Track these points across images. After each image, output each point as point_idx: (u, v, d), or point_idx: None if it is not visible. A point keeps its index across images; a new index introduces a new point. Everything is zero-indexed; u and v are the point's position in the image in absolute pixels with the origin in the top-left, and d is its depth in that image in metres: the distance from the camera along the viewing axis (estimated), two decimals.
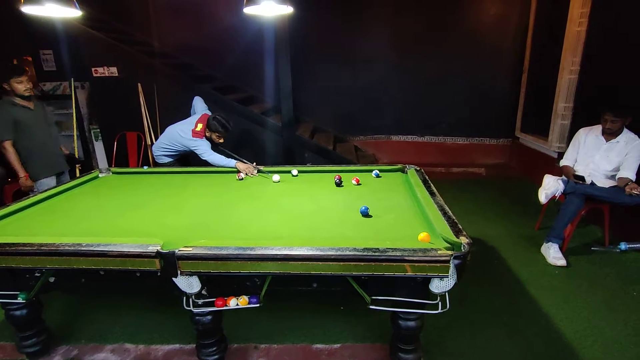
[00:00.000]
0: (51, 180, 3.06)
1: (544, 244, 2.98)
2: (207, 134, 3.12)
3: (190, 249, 1.45)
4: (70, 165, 3.33)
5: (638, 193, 2.60)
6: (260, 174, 2.76)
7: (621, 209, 2.98)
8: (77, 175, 2.85)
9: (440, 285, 1.43)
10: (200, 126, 3.13)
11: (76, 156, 3.45)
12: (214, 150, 3.10)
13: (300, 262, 1.41)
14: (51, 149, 3.10)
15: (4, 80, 2.82)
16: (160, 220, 1.92)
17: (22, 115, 2.88)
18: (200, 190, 2.44)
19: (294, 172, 2.73)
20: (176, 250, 1.44)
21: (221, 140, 3.18)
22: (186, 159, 3.46)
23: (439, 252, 1.38)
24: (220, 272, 1.46)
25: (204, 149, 3.04)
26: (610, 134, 2.92)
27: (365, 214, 1.90)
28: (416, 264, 1.37)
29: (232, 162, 2.91)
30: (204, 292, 1.60)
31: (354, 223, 1.83)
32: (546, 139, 4.47)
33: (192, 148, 3.10)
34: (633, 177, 2.76)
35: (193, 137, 3.09)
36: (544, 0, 4.67)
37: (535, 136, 4.83)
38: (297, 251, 1.42)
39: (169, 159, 3.31)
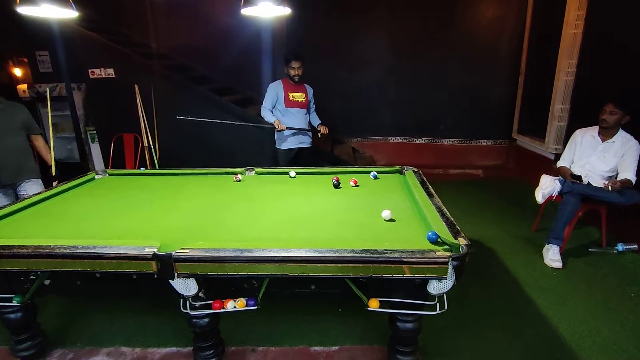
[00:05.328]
0: None
1: (545, 245, 2.97)
2: (285, 71, 3.56)
3: (187, 251, 1.44)
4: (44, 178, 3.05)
5: (616, 187, 2.66)
6: (256, 174, 2.76)
7: (618, 210, 2.99)
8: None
9: (438, 287, 1.42)
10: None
11: (53, 173, 3.04)
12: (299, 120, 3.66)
13: (298, 264, 1.40)
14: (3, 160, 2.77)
15: None
16: (157, 222, 1.91)
17: None
18: (197, 191, 2.42)
19: (292, 173, 2.72)
20: (173, 252, 1.43)
21: (299, 72, 3.51)
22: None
23: (437, 253, 1.38)
24: (217, 274, 1.44)
25: (264, 100, 3.62)
26: (606, 129, 2.93)
27: (434, 241, 1.54)
28: (414, 266, 1.36)
29: (272, 119, 3.54)
30: (201, 294, 1.59)
31: (352, 225, 1.82)
32: (543, 141, 4.49)
33: None
34: (633, 177, 2.77)
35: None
36: (540, 2, 4.70)
37: (532, 138, 4.85)
38: (295, 253, 1.41)
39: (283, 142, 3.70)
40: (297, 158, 3.77)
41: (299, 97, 3.63)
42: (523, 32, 4.97)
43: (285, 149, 3.71)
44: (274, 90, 3.60)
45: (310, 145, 3.84)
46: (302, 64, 3.51)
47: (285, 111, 3.62)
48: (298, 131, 3.67)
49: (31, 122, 2.97)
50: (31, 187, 2.90)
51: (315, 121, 3.86)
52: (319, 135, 3.75)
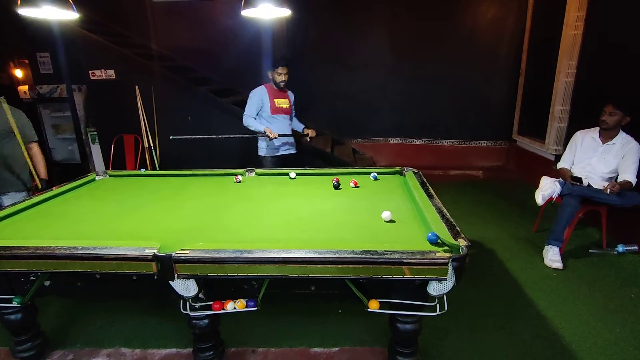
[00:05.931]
0: None
1: (545, 246, 2.97)
2: (270, 76, 3.40)
3: (188, 252, 1.44)
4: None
5: (615, 190, 2.63)
6: (256, 175, 2.77)
7: (618, 211, 2.99)
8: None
9: (438, 288, 1.42)
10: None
11: (39, 186, 2.84)
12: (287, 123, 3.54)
13: (298, 265, 1.40)
14: None
15: None
16: (157, 223, 1.91)
17: None
18: (197, 192, 2.42)
19: (292, 174, 2.72)
20: (173, 253, 1.43)
21: (285, 78, 3.37)
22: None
23: (437, 254, 1.38)
24: (217, 275, 1.44)
25: (246, 108, 3.43)
26: (606, 130, 2.93)
27: (434, 242, 1.53)
28: (414, 267, 1.36)
29: (261, 127, 3.34)
30: (201, 295, 1.59)
31: (352, 226, 1.82)
32: (543, 142, 4.49)
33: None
34: (633, 179, 2.77)
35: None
36: (540, 3, 4.71)
37: (532, 139, 4.85)
38: (295, 254, 1.41)
39: (265, 148, 3.52)
40: (283, 166, 3.59)
41: (283, 103, 3.51)
42: (523, 33, 4.98)
43: (270, 157, 3.56)
44: (259, 97, 3.43)
45: (296, 151, 3.73)
46: (289, 70, 3.40)
47: (271, 118, 3.48)
48: (284, 138, 3.54)
49: (23, 129, 2.77)
50: (4, 204, 2.72)
51: (299, 126, 3.74)
52: (308, 140, 3.64)
